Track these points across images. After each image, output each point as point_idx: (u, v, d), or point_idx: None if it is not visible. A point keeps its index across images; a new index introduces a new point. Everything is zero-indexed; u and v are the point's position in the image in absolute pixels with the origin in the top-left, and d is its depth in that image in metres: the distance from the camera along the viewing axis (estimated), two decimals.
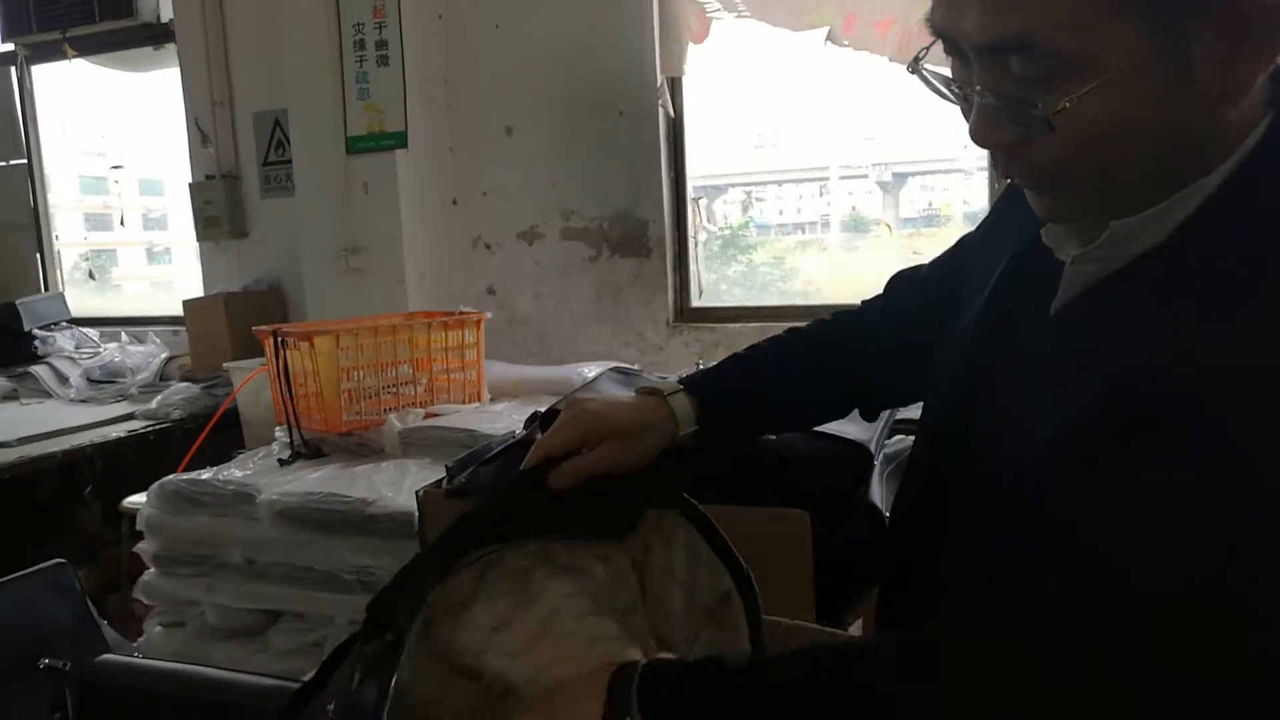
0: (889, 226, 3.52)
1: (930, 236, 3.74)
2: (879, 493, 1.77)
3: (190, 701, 0.99)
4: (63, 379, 3.83)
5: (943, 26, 0.66)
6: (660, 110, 3.10)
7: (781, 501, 1.68)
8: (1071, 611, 0.59)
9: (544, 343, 3.35)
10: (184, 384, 3.53)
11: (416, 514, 1.70)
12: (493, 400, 2.67)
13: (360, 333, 2.41)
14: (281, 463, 2.35)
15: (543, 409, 1.08)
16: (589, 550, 0.86)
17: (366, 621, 0.80)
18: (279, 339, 2.37)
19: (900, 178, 3.96)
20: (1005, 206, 0.89)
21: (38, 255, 4.56)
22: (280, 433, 2.48)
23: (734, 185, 3.88)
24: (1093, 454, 0.61)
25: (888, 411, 1.97)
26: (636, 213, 3.19)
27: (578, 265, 3.30)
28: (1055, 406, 0.67)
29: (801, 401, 1.05)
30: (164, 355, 3.87)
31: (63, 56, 4.08)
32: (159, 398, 3.42)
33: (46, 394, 3.78)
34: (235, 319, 3.50)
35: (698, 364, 2.49)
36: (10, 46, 4.26)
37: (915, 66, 0.70)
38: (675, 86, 3.15)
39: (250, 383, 3.01)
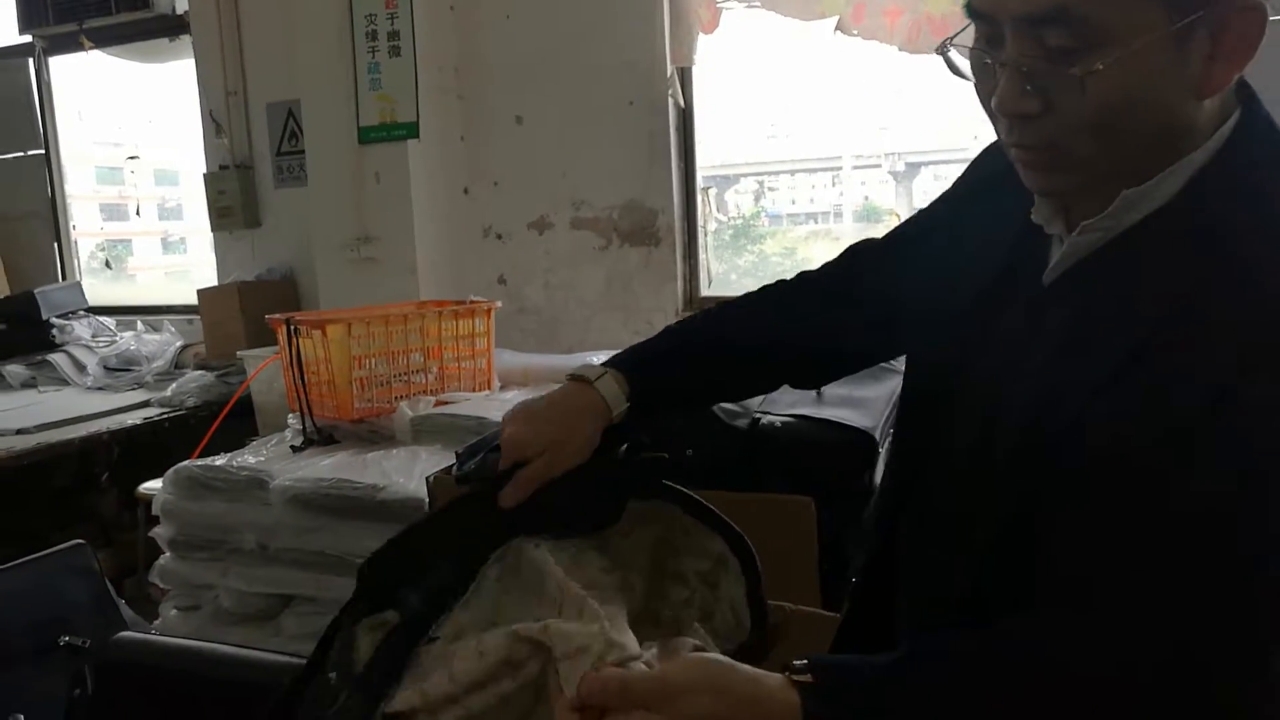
0: (900, 217, 3.53)
1: None
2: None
3: (206, 678, 1.02)
4: (80, 367, 3.87)
5: (981, 3, 0.73)
6: (670, 100, 3.11)
7: (786, 488, 1.71)
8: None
9: (554, 332, 3.37)
10: (199, 372, 3.56)
11: (427, 499, 1.73)
12: (503, 388, 2.70)
13: (372, 321, 2.44)
14: (294, 449, 2.38)
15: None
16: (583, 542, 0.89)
17: (361, 589, 0.82)
18: (292, 327, 2.40)
19: (914, 167, 3.96)
20: (981, 184, 0.93)
21: (55, 245, 4.60)
22: (293, 420, 2.51)
23: (746, 175, 3.89)
24: (1218, 389, 0.65)
25: (893, 394, 1.99)
26: (646, 202, 3.21)
27: (587, 254, 3.31)
28: (1094, 361, 0.72)
29: (735, 381, 1.07)
30: (179, 344, 3.91)
31: (79, 48, 4.12)
32: (174, 385, 3.46)
33: (64, 382, 3.82)
34: (249, 308, 3.54)
35: None
36: (28, 38, 4.30)
37: (944, 48, 0.78)
38: (685, 76, 3.16)
39: (264, 371, 3.04)
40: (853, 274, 1.06)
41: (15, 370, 3.86)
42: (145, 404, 3.47)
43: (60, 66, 4.42)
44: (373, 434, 2.43)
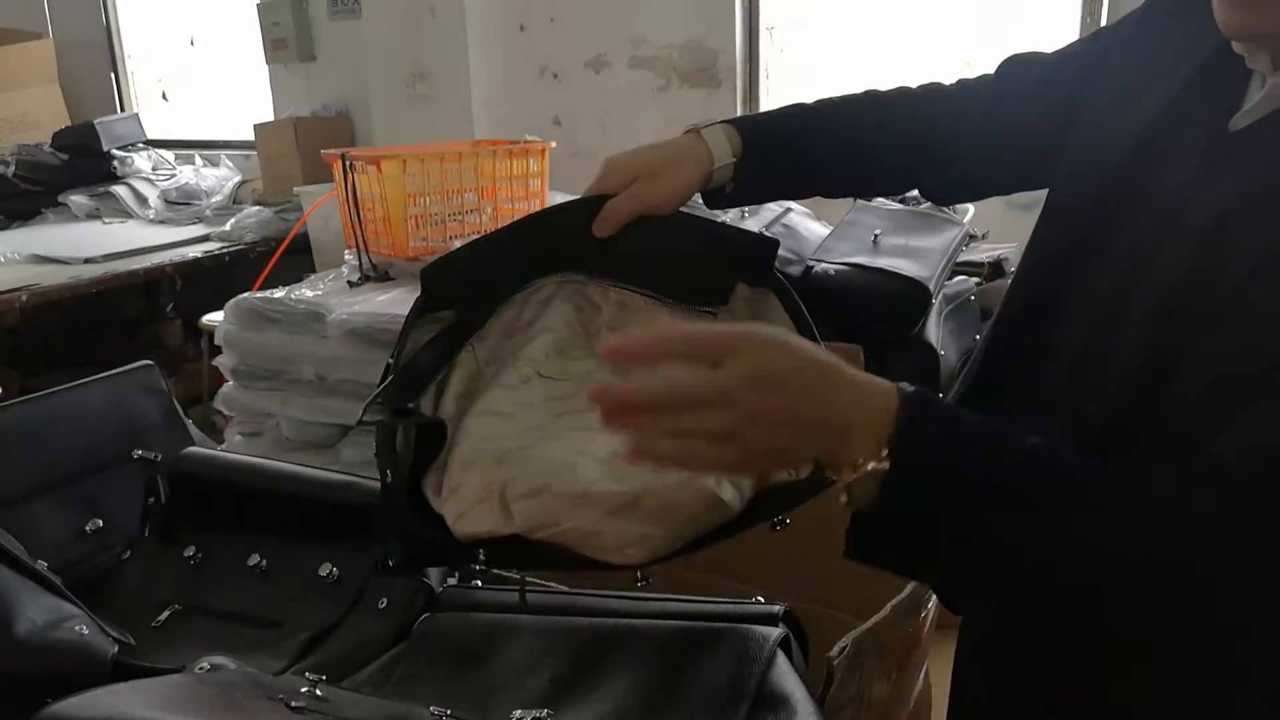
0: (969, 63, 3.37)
1: None
2: (935, 331, 1.77)
3: (270, 492, 1.07)
4: (141, 199, 3.93)
5: None
6: None
7: (836, 335, 1.70)
8: None
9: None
10: (256, 208, 3.60)
11: None
12: None
13: (426, 158, 2.42)
14: (351, 285, 2.41)
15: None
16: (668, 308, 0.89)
17: (424, 290, 0.86)
18: (347, 163, 2.39)
19: None
20: (1162, 14, 0.82)
21: (112, 75, 4.60)
22: (349, 256, 2.53)
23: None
24: None
25: (956, 239, 1.94)
26: (708, 42, 3.09)
27: (645, 96, 3.23)
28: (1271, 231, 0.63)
29: (859, 163, 0.98)
30: (237, 179, 3.94)
31: None
32: (233, 220, 3.50)
33: (127, 214, 3.89)
34: (305, 144, 3.53)
35: None
36: None
37: None
38: None
39: (320, 208, 3.05)
40: (1009, 90, 0.95)
41: (79, 200, 3.93)
42: (205, 238, 3.53)
43: None
44: None
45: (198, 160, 4.23)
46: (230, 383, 2.39)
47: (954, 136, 0.96)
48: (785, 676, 0.80)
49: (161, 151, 4.26)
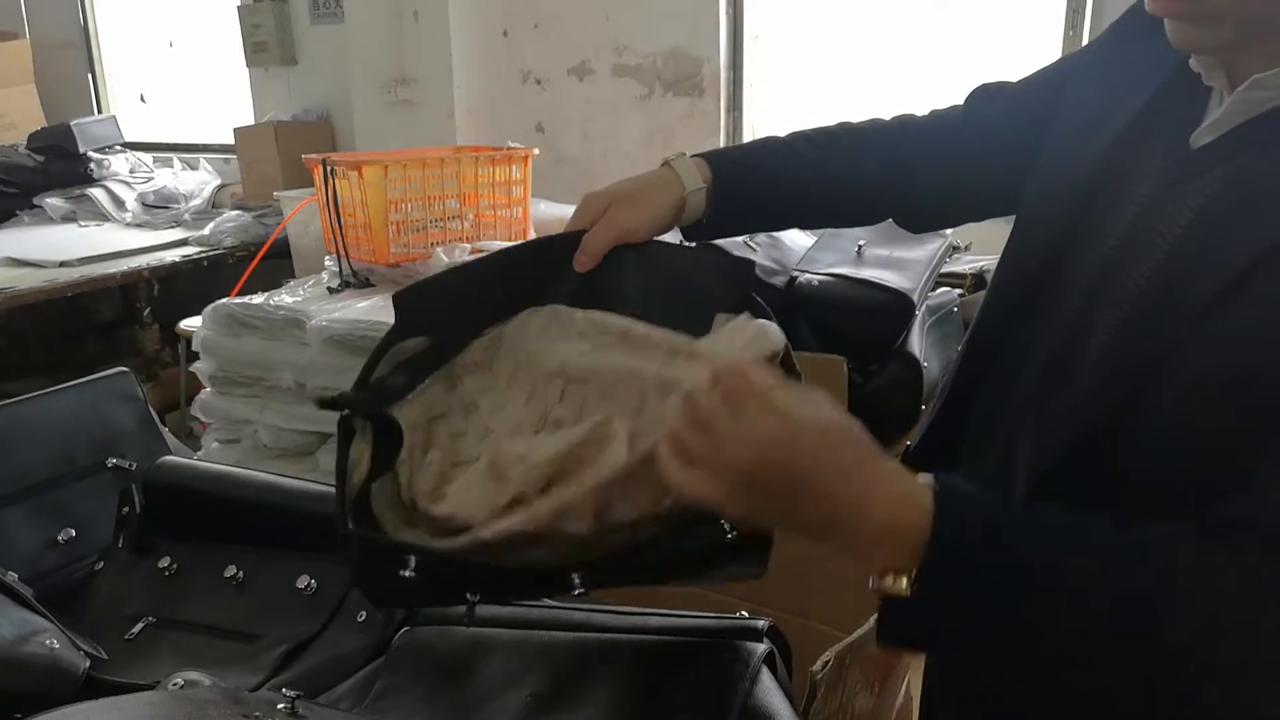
0: None
1: None
2: (918, 343, 1.78)
3: (247, 502, 1.06)
4: (119, 202, 3.89)
5: None
6: None
7: (820, 346, 1.70)
8: None
9: (591, 183, 3.25)
10: (236, 212, 3.57)
11: None
12: None
13: (408, 164, 2.41)
14: (331, 291, 2.40)
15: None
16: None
17: (397, 315, 0.86)
18: (328, 168, 2.38)
19: None
20: (1121, 40, 0.84)
21: (89, 76, 4.55)
22: (330, 262, 2.52)
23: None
24: None
25: (939, 251, 1.95)
26: (692, 50, 3.09)
27: (629, 103, 3.22)
28: (1234, 246, 0.64)
29: (832, 194, 0.99)
30: (216, 183, 3.91)
31: None
32: (212, 225, 3.47)
33: (104, 217, 3.84)
34: (285, 148, 3.50)
35: None
36: None
37: None
38: None
39: (300, 213, 3.03)
40: (979, 116, 0.97)
41: (55, 203, 3.89)
42: (184, 242, 3.50)
43: None
44: (408, 279, 2.43)
45: (176, 163, 4.19)
46: (208, 389, 2.37)
47: (926, 166, 0.97)
48: (770, 693, 0.79)
49: (139, 154, 4.22)
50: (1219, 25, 0.65)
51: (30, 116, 4.32)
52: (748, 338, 0.82)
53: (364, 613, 0.94)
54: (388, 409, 0.85)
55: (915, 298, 1.76)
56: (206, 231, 3.45)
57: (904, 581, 0.62)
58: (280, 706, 0.71)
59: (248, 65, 3.90)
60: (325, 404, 0.83)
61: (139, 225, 3.74)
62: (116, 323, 4.06)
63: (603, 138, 3.29)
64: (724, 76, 3.10)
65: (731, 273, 0.91)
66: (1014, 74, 0.98)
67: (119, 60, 4.65)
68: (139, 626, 0.98)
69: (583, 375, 0.84)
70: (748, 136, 3.16)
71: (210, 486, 1.09)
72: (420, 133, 3.15)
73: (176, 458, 1.15)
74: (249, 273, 2.86)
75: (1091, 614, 0.62)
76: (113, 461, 1.14)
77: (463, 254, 2.41)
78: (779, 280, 1.82)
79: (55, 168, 3.96)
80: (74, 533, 1.08)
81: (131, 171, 4.10)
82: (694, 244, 0.98)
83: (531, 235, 2.66)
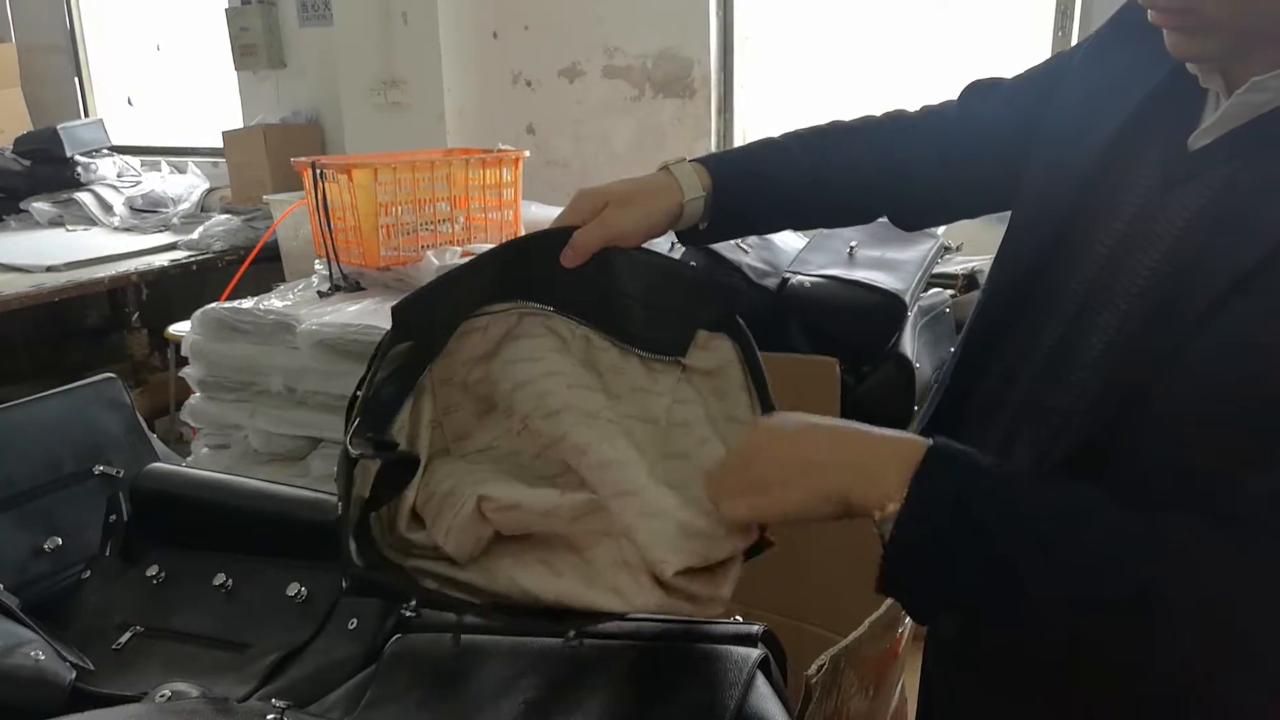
0: None
1: None
2: (911, 343, 1.77)
3: (236, 509, 1.04)
4: (106, 207, 3.87)
5: None
6: None
7: (812, 348, 1.69)
8: None
9: (582, 185, 3.29)
10: (225, 216, 3.55)
11: None
12: None
13: (398, 167, 2.40)
14: (321, 295, 2.38)
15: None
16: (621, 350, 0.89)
17: (393, 324, 0.85)
18: (318, 171, 2.36)
19: None
20: (1116, 37, 0.84)
21: (75, 80, 4.53)
22: (320, 266, 2.50)
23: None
24: None
25: (931, 251, 1.94)
26: (682, 51, 3.09)
27: (619, 105, 3.22)
28: (1236, 248, 0.64)
29: (827, 195, 0.99)
30: (205, 186, 3.89)
31: None
32: (201, 229, 3.45)
33: (91, 221, 3.82)
34: (275, 151, 3.49)
35: None
36: None
37: None
38: None
39: (290, 217, 3.01)
40: (973, 113, 0.96)
41: (41, 207, 3.87)
42: (172, 246, 3.48)
43: None
44: (399, 282, 2.43)
45: (164, 167, 4.17)
46: (197, 394, 2.35)
47: (920, 163, 0.97)
48: (764, 699, 0.78)
49: (127, 158, 4.19)
50: (1217, 36, 0.66)
51: (16, 120, 4.29)
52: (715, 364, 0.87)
53: (355, 619, 0.93)
54: (389, 428, 0.84)
55: (907, 299, 1.76)
56: (195, 235, 3.43)
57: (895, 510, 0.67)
58: (270, 717, 0.70)
59: (236, 68, 3.89)
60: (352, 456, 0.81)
61: (127, 229, 3.72)
62: (105, 328, 4.04)
63: (593, 139, 3.29)
64: (715, 78, 3.10)
65: (716, 291, 0.90)
66: (1005, 72, 0.98)
67: (105, 63, 4.63)
68: (126, 636, 0.96)
69: (552, 410, 0.86)
70: (738, 138, 3.16)
71: (198, 493, 1.08)
72: (410, 135, 3.14)
73: (164, 465, 1.13)
74: (238, 277, 2.85)
75: (1095, 584, 0.63)
76: (100, 469, 1.12)
77: (453, 257, 2.40)
78: (771, 282, 1.82)
79: (42, 172, 3.93)
80: (60, 541, 1.06)
81: (119, 175, 4.08)
82: (682, 257, 0.98)
83: None
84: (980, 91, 0.97)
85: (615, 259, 0.89)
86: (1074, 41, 2.63)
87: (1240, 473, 0.62)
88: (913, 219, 1.05)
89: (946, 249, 2.16)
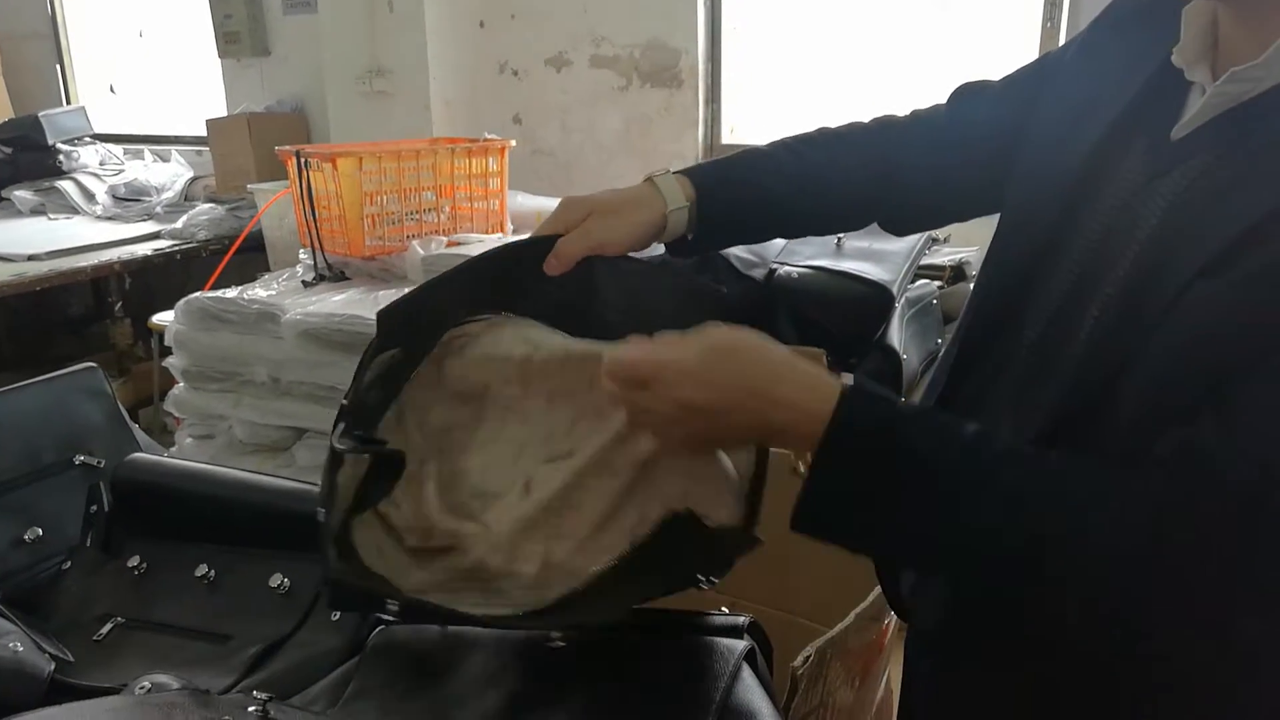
0: None
1: None
2: (898, 335, 1.77)
3: (218, 499, 1.04)
4: (89, 195, 3.83)
5: None
6: None
7: (800, 338, 1.69)
8: None
9: (569, 175, 3.30)
10: (209, 205, 3.52)
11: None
12: (515, 231, 2.66)
13: (383, 156, 2.38)
14: (305, 284, 2.37)
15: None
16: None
17: (379, 331, 0.86)
18: (302, 160, 2.35)
19: None
20: (1108, 33, 0.84)
21: (57, 67, 4.48)
22: (304, 255, 2.49)
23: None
24: None
25: (919, 244, 1.95)
26: (670, 42, 3.08)
27: (606, 95, 3.21)
28: (1208, 232, 0.65)
29: (816, 201, 0.98)
30: (189, 175, 3.86)
31: None
32: (185, 218, 3.42)
33: (73, 210, 3.78)
34: (259, 140, 3.46)
35: None
36: None
37: None
38: None
39: (274, 206, 2.99)
40: (963, 116, 0.96)
41: (23, 196, 3.82)
42: (156, 235, 3.45)
43: None
44: (384, 272, 2.41)
45: (147, 155, 4.14)
46: (181, 384, 2.34)
47: (909, 167, 0.97)
48: (750, 691, 0.78)
49: (109, 146, 4.15)
50: None
51: None
52: None
53: (338, 611, 0.92)
54: (375, 430, 0.84)
55: (895, 290, 1.76)
56: (179, 225, 3.40)
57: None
58: (251, 709, 0.69)
59: (220, 56, 3.85)
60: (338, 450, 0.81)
61: (110, 218, 3.69)
62: (88, 317, 4.01)
63: (580, 129, 3.27)
64: (702, 68, 3.09)
65: (701, 299, 0.90)
66: (992, 67, 0.97)
67: (87, 50, 4.58)
68: (107, 628, 0.95)
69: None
70: (725, 128, 3.15)
71: (180, 483, 1.07)
72: (396, 124, 3.12)
73: (145, 455, 1.12)
74: (222, 266, 2.83)
75: (989, 517, 0.67)
76: (80, 459, 1.11)
77: (439, 247, 2.39)
78: (758, 273, 1.81)
79: (23, 160, 3.89)
80: (41, 532, 1.05)
81: (101, 164, 4.04)
82: (667, 265, 0.97)
83: (509, 227, 2.64)
84: (969, 95, 0.98)
85: (598, 267, 0.88)
86: (1063, 32, 2.64)
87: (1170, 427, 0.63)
88: (904, 225, 1.05)
89: (934, 241, 2.16)
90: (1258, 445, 0.60)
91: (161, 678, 0.77)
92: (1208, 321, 0.62)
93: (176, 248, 3.34)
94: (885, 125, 0.99)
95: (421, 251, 2.35)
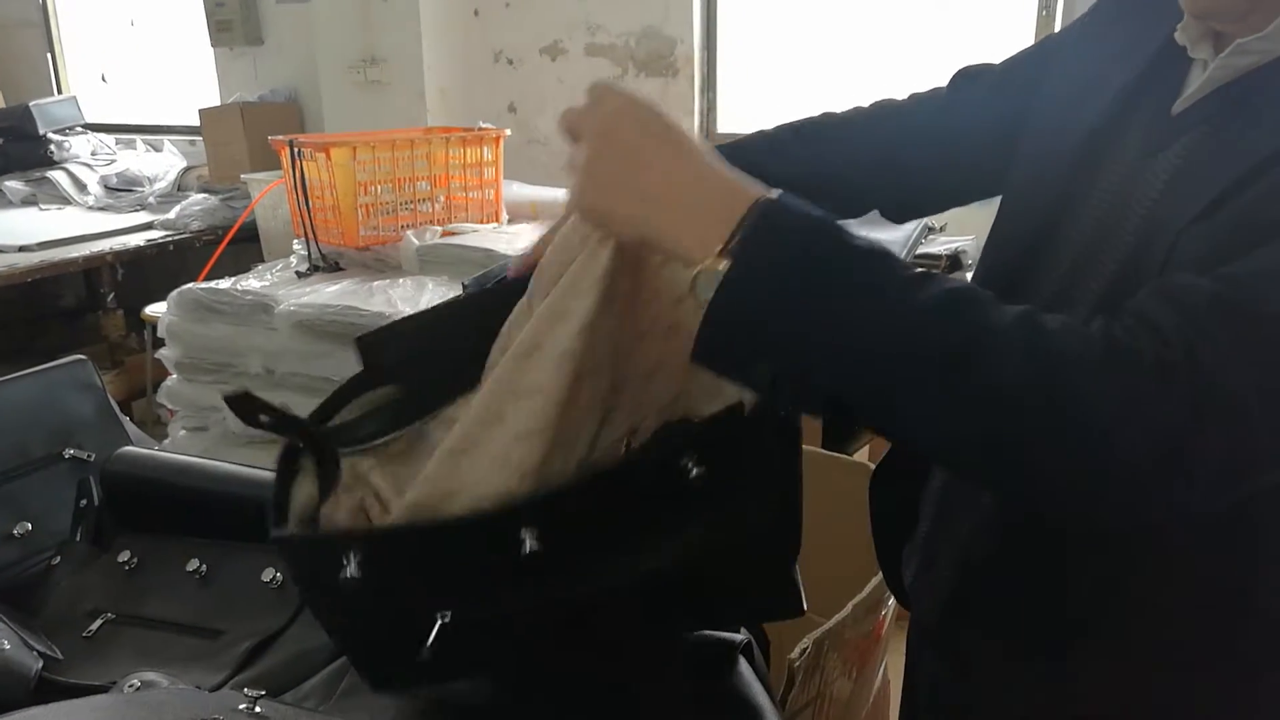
0: None
1: None
2: None
3: (210, 493, 1.03)
4: (80, 185, 3.81)
5: None
6: None
7: None
8: None
9: (563, 165, 3.27)
10: (202, 195, 3.51)
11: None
12: (510, 221, 2.64)
13: (378, 146, 2.37)
14: (299, 275, 2.36)
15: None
16: None
17: (364, 363, 0.78)
18: (296, 150, 2.33)
19: None
20: (1110, 13, 0.83)
21: (48, 56, 4.45)
22: (298, 246, 2.47)
23: None
24: None
25: (915, 231, 1.93)
26: (665, 30, 3.06)
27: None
28: (1198, 191, 0.64)
29: (817, 186, 0.89)
30: (182, 165, 3.83)
31: None
32: (178, 208, 3.40)
33: (65, 200, 3.76)
34: (252, 130, 3.44)
35: None
36: None
37: None
38: None
39: (268, 196, 2.98)
40: (964, 99, 0.95)
41: (14, 186, 3.80)
42: (148, 226, 3.43)
43: None
44: (379, 262, 2.40)
45: (140, 145, 4.11)
46: (174, 376, 2.32)
47: (910, 152, 0.95)
48: (747, 684, 0.78)
49: (101, 136, 4.12)
50: None
51: None
52: None
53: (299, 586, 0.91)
54: (342, 452, 0.77)
55: None
56: (172, 215, 3.38)
57: (725, 264, 0.60)
58: (241, 707, 0.68)
59: (212, 45, 3.83)
60: (270, 424, 0.72)
61: (102, 208, 3.67)
62: (80, 309, 3.99)
63: None
64: (698, 57, 3.07)
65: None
66: (988, 53, 0.97)
67: (79, 39, 4.54)
68: (97, 624, 0.94)
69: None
70: (721, 117, 3.14)
71: (171, 477, 1.06)
72: (390, 114, 3.10)
73: (136, 448, 1.11)
74: (216, 257, 2.81)
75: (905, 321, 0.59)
76: (70, 452, 1.10)
77: (434, 237, 2.38)
78: None
79: (14, 150, 3.86)
80: (29, 526, 1.04)
81: (93, 153, 4.01)
82: None
83: (504, 218, 2.62)
84: (970, 78, 0.97)
85: None
86: (1058, 19, 2.62)
87: None
88: (905, 210, 1.04)
89: (931, 229, 2.15)
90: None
91: (151, 675, 0.76)
92: (1198, 256, 0.62)
93: (169, 238, 3.33)
94: (886, 109, 0.98)
95: (416, 242, 2.34)
